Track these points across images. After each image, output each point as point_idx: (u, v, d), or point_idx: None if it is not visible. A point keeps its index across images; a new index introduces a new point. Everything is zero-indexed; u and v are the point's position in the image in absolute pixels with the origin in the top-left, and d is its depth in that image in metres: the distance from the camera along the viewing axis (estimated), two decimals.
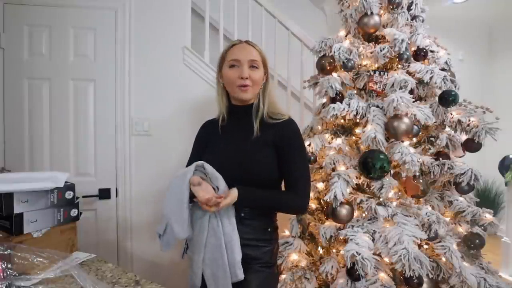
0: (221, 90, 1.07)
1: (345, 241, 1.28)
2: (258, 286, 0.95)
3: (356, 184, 1.39)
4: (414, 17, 1.64)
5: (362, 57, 1.54)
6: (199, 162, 0.95)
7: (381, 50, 1.46)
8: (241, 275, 0.92)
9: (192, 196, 0.92)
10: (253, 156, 0.98)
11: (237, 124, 1.06)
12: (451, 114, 1.49)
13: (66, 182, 1.10)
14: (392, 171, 1.42)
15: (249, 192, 0.93)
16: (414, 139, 1.53)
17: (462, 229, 1.46)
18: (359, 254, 1.15)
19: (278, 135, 1.00)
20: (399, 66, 1.54)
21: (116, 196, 1.78)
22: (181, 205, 0.91)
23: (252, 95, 1.02)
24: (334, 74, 1.54)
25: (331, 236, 1.35)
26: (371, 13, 1.52)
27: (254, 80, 0.99)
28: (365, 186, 1.41)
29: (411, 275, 1.16)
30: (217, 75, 1.08)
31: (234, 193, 0.90)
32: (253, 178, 0.96)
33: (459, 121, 1.45)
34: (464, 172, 1.37)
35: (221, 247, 0.92)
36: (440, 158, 1.44)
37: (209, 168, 0.94)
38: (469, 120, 1.42)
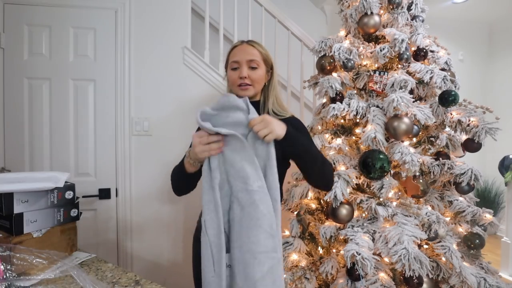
0: (229, 89, 1.11)
1: (345, 241, 1.28)
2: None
3: (356, 184, 1.39)
4: (414, 17, 1.64)
5: (362, 57, 1.54)
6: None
7: (381, 50, 1.46)
8: None
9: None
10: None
11: None
12: (451, 114, 1.49)
13: (66, 182, 1.10)
14: (392, 171, 1.42)
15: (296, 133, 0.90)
16: (414, 139, 1.53)
17: (462, 229, 1.46)
18: (359, 254, 1.15)
19: None
20: (399, 66, 1.54)
21: (116, 196, 1.78)
22: None
23: (253, 93, 1.04)
24: (334, 74, 1.54)
25: (331, 236, 1.35)
26: (371, 13, 1.52)
27: (253, 79, 1.02)
28: (365, 186, 1.41)
29: (411, 275, 1.15)
30: (225, 76, 1.13)
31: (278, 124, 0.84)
32: None
33: (459, 121, 1.45)
34: (464, 172, 1.37)
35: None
36: (440, 158, 1.43)
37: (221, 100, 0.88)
38: (469, 120, 1.42)
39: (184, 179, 0.98)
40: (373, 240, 1.27)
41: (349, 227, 1.33)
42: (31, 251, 0.79)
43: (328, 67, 1.56)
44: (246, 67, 1.01)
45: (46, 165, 1.70)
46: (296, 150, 0.89)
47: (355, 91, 1.55)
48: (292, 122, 1.01)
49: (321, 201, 1.47)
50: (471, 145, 1.45)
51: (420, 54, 1.54)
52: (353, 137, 1.53)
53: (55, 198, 1.07)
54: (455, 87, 1.50)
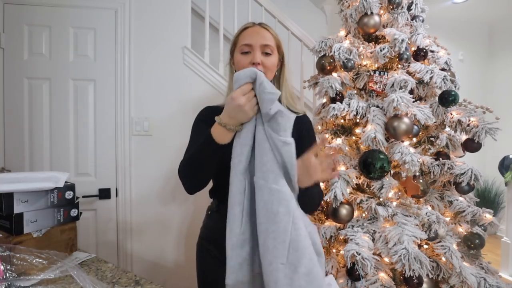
0: (232, 76, 0.96)
1: (345, 241, 1.28)
2: None
3: (356, 184, 1.39)
4: (414, 17, 1.64)
5: (362, 57, 1.54)
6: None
7: (381, 50, 1.46)
8: None
9: None
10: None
11: None
12: (451, 114, 1.49)
13: (66, 182, 1.10)
14: (392, 171, 1.42)
15: None
16: (414, 139, 1.53)
17: (462, 229, 1.46)
18: (359, 254, 1.15)
19: (297, 127, 0.86)
20: (399, 66, 1.54)
21: (116, 196, 1.78)
22: None
23: None
24: (334, 74, 1.54)
25: (331, 236, 1.35)
26: (371, 13, 1.52)
27: (266, 66, 0.91)
28: (365, 186, 1.41)
29: (411, 275, 1.16)
30: (229, 60, 1.01)
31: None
32: None
33: (459, 121, 1.45)
34: (464, 172, 1.37)
35: None
36: (440, 158, 1.44)
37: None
38: (469, 120, 1.42)
39: (211, 158, 0.82)
40: (373, 240, 1.27)
41: (349, 227, 1.33)
42: (31, 251, 0.79)
43: (328, 67, 1.56)
44: (260, 52, 0.90)
45: (46, 165, 1.70)
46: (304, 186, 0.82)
47: (355, 91, 1.55)
48: (304, 122, 0.97)
49: (321, 201, 1.47)
50: (471, 145, 1.45)
51: (420, 54, 1.54)
52: (353, 137, 1.53)
53: (55, 198, 1.07)
54: (455, 87, 1.50)
